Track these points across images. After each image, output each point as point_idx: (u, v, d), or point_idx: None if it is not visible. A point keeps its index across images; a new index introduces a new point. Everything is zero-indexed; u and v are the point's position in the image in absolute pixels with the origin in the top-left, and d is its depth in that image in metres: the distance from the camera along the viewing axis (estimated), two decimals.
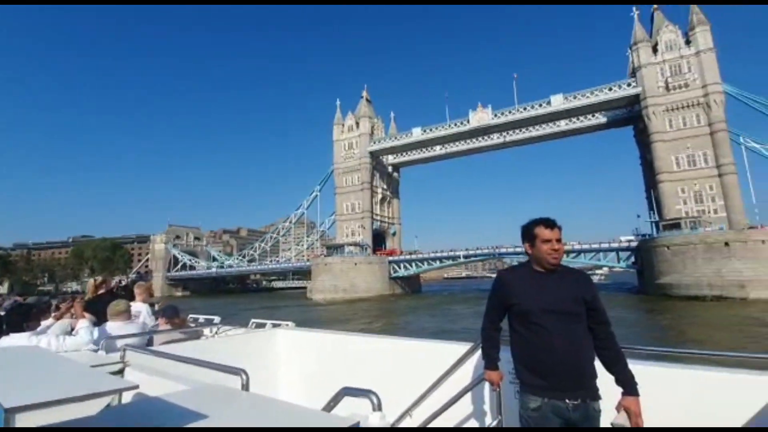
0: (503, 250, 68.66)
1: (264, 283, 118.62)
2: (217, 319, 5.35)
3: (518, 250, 66.73)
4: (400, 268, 75.09)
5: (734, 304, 40.12)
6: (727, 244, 45.38)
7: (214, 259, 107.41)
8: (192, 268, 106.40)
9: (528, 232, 2.41)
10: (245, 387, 2.00)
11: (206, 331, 4.98)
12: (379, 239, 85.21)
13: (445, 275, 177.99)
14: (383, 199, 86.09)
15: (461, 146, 79.51)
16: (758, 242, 44.83)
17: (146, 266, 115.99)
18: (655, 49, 58.31)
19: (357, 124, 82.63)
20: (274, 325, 4.89)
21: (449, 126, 72.33)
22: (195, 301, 70.47)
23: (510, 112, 67.15)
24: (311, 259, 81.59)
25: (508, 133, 74.46)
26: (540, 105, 64.93)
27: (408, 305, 51.50)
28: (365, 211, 79.20)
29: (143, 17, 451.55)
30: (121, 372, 2.96)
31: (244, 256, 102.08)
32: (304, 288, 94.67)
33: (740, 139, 55.72)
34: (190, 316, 5.57)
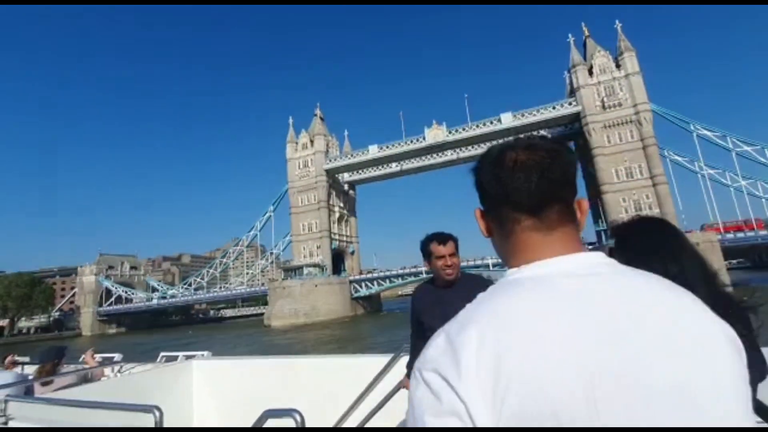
0: (464, 264, 69.70)
1: (212, 312, 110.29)
2: (118, 356, 4.97)
3: (479, 263, 68.34)
4: (361, 287, 73.47)
5: None
6: None
7: (154, 290, 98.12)
8: (128, 300, 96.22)
9: (425, 249, 2.48)
10: (159, 424, 1.89)
11: (107, 371, 4.63)
12: (337, 259, 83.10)
13: (400, 292, 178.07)
14: (341, 218, 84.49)
15: (416, 163, 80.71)
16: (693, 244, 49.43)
17: (71, 302, 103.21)
18: (590, 72, 63.74)
19: (311, 142, 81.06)
20: (188, 357, 4.64)
21: (406, 143, 73.23)
22: (129, 338, 63.58)
23: (464, 129, 69.52)
24: (267, 283, 77.32)
25: (461, 150, 76.93)
26: (491, 122, 67.98)
27: (375, 325, 50.15)
28: (323, 230, 77.04)
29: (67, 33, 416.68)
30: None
31: (189, 285, 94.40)
32: (260, 315, 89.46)
33: (665, 153, 62.02)
34: (97, 355, 4.98)
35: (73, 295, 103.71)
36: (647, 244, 1.29)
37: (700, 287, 1.10)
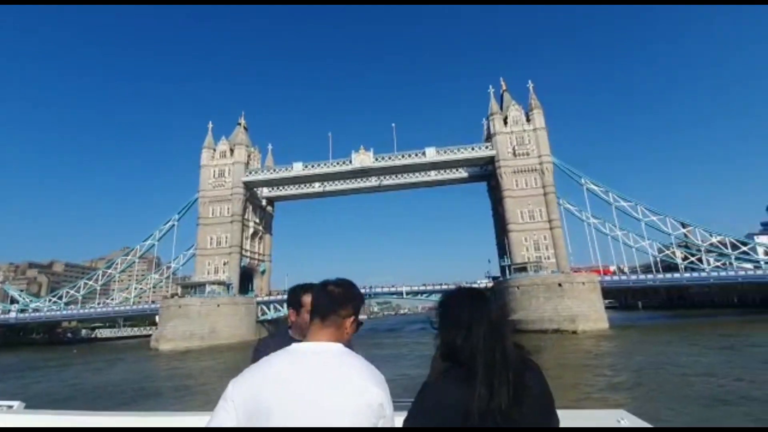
0: (378, 290, 69.73)
1: (84, 332, 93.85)
2: None
3: (393, 289, 68.80)
4: (269, 309, 68.92)
5: (568, 335, 48.09)
6: (560, 285, 54.95)
7: (14, 301, 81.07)
8: None
9: (294, 298, 2.35)
10: None
11: None
12: (246, 277, 77.41)
13: None
14: (254, 234, 79.53)
15: (339, 185, 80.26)
16: (580, 284, 55.59)
17: None
18: (505, 121, 70.43)
19: (231, 151, 76.18)
20: None
21: (332, 164, 72.47)
22: None
23: (390, 158, 71.21)
24: (161, 300, 68.53)
25: (384, 177, 78.50)
26: (416, 155, 70.74)
27: None
28: (234, 245, 71.50)
29: None
30: None
31: (59, 297, 79.72)
32: (146, 336, 78.37)
33: (560, 201, 69.99)
34: None
35: None
36: (444, 317, 1.60)
37: (483, 352, 1.44)
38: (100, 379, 30.08)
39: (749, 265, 62.54)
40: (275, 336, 2.44)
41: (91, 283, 78.71)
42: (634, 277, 63.25)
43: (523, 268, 60.05)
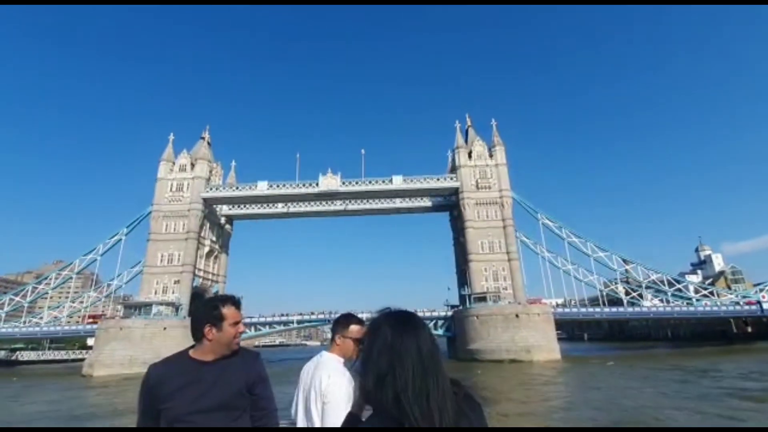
0: (264, 320, 68.35)
1: (3, 353, 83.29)
2: None
3: (275, 318, 68.16)
4: None
5: (524, 365, 49.32)
6: (517, 315, 56.74)
7: None
8: None
9: (212, 313, 2.10)
10: None
11: None
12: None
13: (257, 342, 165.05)
14: (210, 253, 75.89)
15: (304, 208, 79.16)
16: (535, 315, 57.71)
17: None
18: (470, 155, 73.55)
19: (192, 165, 73.27)
20: None
21: (299, 186, 71.55)
22: None
23: (357, 183, 71.57)
24: (101, 321, 62.80)
25: (350, 202, 78.54)
26: (384, 182, 71.66)
27: None
28: (186, 264, 67.67)
29: None
30: None
31: None
32: (75, 361, 71.13)
33: (518, 234, 73.23)
34: None
35: None
36: (367, 349, 1.33)
37: (414, 395, 1.17)
38: (13, 412, 26.31)
39: (681, 302, 68.06)
40: (170, 362, 2.08)
41: (17, 299, 70.78)
42: (583, 309, 66.68)
43: (482, 298, 61.52)
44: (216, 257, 79.04)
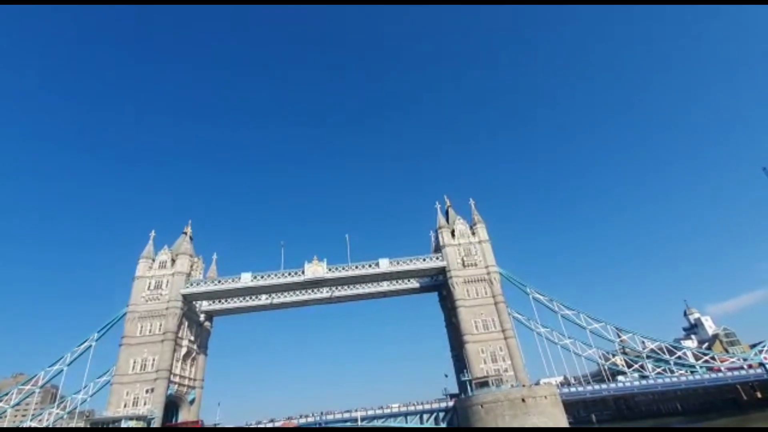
0: (330, 417, 62.10)
1: None
2: None
3: (347, 416, 61.79)
4: None
5: None
6: (523, 400, 53.06)
7: None
8: None
9: None
10: None
11: None
12: (171, 408, 66.15)
13: None
14: (187, 355, 70.38)
15: (288, 298, 76.68)
16: (542, 398, 54.12)
17: None
18: (453, 234, 74.98)
19: (173, 261, 71.34)
20: None
21: (284, 274, 69.83)
22: None
23: (344, 268, 70.58)
24: None
25: (336, 288, 76.73)
26: (370, 266, 71.01)
27: None
28: (161, 369, 62.08)
29: None
30: None
31: None
32: None
33: (509, 310, 71.88)
34: None
35: None
36: None
37: None
38: None
39: (685, 370, 65.79)
40: None
41: None
42: (589, 387, 63.24)
43: (484, 383, 57.89)
44: (194, 359, 73.28)
